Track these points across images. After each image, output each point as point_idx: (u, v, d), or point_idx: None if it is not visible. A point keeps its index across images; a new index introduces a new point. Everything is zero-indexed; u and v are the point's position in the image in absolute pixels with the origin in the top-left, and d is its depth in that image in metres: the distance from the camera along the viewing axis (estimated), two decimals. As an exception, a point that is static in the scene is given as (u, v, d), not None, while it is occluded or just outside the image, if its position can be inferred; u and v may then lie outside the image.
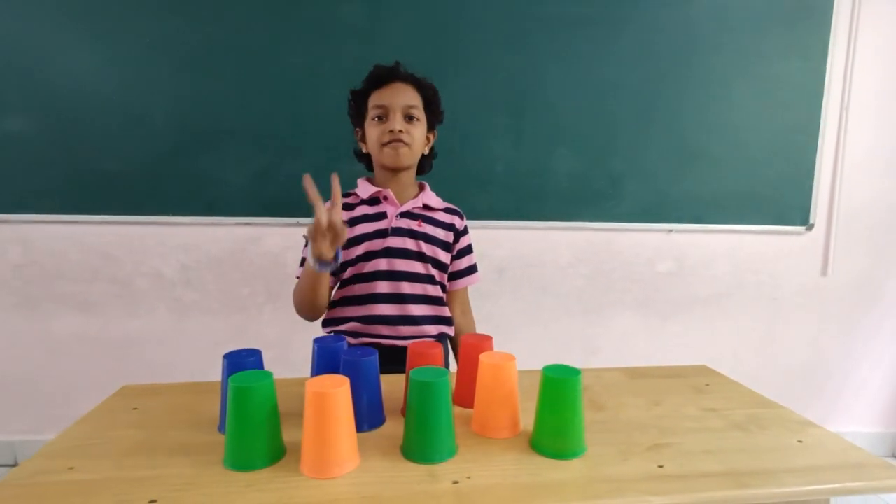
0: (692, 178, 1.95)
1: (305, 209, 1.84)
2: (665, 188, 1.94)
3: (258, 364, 0.77)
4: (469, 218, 1.86)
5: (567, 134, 1.88)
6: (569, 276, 1.99)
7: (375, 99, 1.10)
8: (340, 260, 1.04)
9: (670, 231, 2.00)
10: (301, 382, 0.90)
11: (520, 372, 0.77)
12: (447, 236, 1.18)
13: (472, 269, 1.25)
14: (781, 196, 2.00)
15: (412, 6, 1.76)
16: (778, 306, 2.10)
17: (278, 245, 1.86)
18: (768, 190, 1.99)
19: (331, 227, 0.91)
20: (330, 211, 0.91)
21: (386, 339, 1.12)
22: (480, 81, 1.82)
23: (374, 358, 0.79)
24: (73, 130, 1.72)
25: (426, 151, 1.19)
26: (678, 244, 2.02)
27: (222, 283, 1.87)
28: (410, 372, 0.70)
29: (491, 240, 1.92)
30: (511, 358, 0.76)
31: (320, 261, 0.95)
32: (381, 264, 1.12)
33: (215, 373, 0.89)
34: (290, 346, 1.85)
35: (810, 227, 2.03)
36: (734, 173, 1.96)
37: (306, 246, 1.16)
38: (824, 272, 2.09)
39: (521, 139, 1.87)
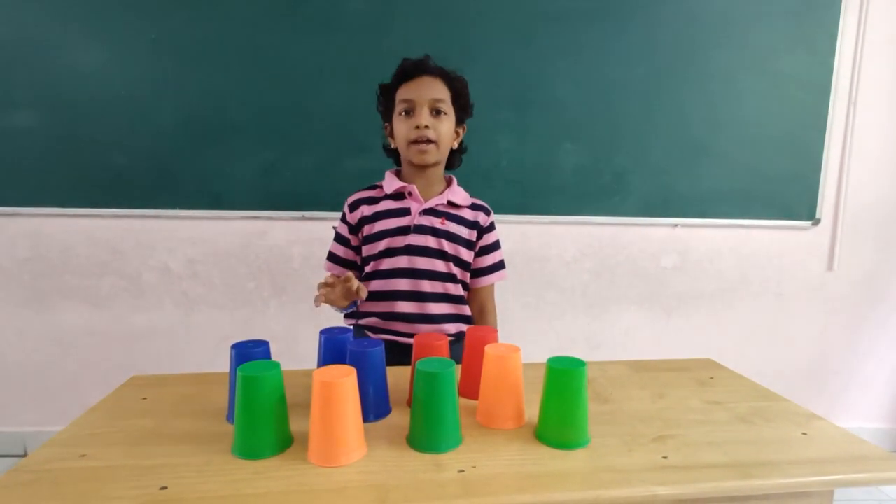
0: (698, 172, 1.94)
1: (311, 203, 1.86)
2: (670, 183, 1.94)
3: (266, 354, 0.78)
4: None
5: (572, 129, 1.88)
6: (573, 271, 2.00)
7: (402, 93, 1.09)
8: (357, 306, 1.11)
9: (675, 226, 1.99)
10: (307, 374, 0.91)
11: (524, 365, 0.78)
12: (470, 234, 1.15)
13: (496, 267, 1.21)
14: (787, 191, 1.99)
15: (418, 1, 1.76)
16: (783, 301, 2.09)
17: (284, 239, 1.87)
18: (774, 185, 1.98)
19: (348, 293, 1.00)
20: (344, 283, 0.98)
21: (404, 336, 1.11)
22: (486, 76, 1.81)
23: (380, 349, 0.79)
24: (80, 125, 1.73)
25: (455, 146, 1.17)
26: (683, 239, 2.02)
27: (229, 277, 1.88)
28: (417, 363, 0.70)
29: (495, 234, 1.92)
30: (516, 349, 0.77)
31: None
32: (402, 262, 1.11)
33: (221, 366, 0.90)
34: (295, 339, 1.86)
35: (816, 221, 2.02)
36: (740, 168, 1.95)
37: (335, 240, 1.19)
38: (830, 267, 2.08)
39: (527, 134, 1.86)
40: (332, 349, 0.84)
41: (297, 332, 1.88)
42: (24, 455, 1.94)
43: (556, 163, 1.89)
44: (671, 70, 1.88)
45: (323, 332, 0.87)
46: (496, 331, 0.89)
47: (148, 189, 1.78)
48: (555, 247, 1.97)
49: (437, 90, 1.08)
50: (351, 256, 1.19)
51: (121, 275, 1.85)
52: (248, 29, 1.73)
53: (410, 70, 1.09)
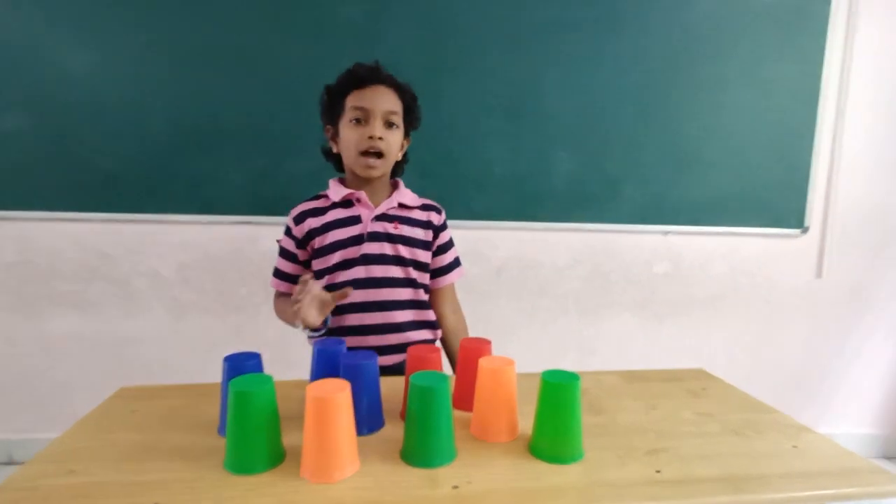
0: (688, 180, 1.96)
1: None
2: (662, 190, 1.95)
3: (258, 367, 0.77)
4: (466, 219, 1.85)
5: (564, 136, 1.88)
6: (566, 278, 2.00)
7: (355, 99, 1.05)
8: (329, 325, 1.04)
9: (667, 233, 2.01)
10: (301, 385, 0.90)
11: (518, 375, 0.78)
12: (426, 235, 1.14)
13: (455, 265, 1.20)
14: (777, 199, 2.01)
15: (411, 9, 1.76)
16: (773, 308, 2.11)
17: (276, 245, 1.85)
18: (764, 192, 2.00)
19: (316, 296, 0.94)
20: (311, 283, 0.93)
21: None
22: (478, 84, 1.82)
23: (374, 361, 0.79)
24: (70, 128, 1.71)
25: (399, 158, 1.14)
26: (675, 246, 2.03)
27: (220, 283, 1.87)
28: (411, 376, 0.70)
29: (488, 241, 1.92)
30: (510, 362, 0.77)
31: (308, 327, 0.98)
32: (359, 272, 1.08)
33: (213, 373, 0.89)
34: (288, 346, 1.84)
35: (805, 229, 2.05)
36: (730, 176, 1.97)
37: (280, 255, 1.17)
38: (819, 274, 2.11)
39: (519, 141, 1.87)
40: (326, 361, 0.83)
41: (289, 338, 1.86)
42: (10, 462, 1.91)
43: (549, 170, 1.89)
44: (662, 78, 1.89)
45: (316, 343, 0.86)
46: (489, 342, 0.89)
47: (138, 193, 1.76)
48: (548, 253, 1.98)
49: (391, 102, 1.06)
50: (298, 272, 1.16)
51: (110, 280, 1.83)
52: (241, 34, 1.72)
53: (366, 77, 1.06)
